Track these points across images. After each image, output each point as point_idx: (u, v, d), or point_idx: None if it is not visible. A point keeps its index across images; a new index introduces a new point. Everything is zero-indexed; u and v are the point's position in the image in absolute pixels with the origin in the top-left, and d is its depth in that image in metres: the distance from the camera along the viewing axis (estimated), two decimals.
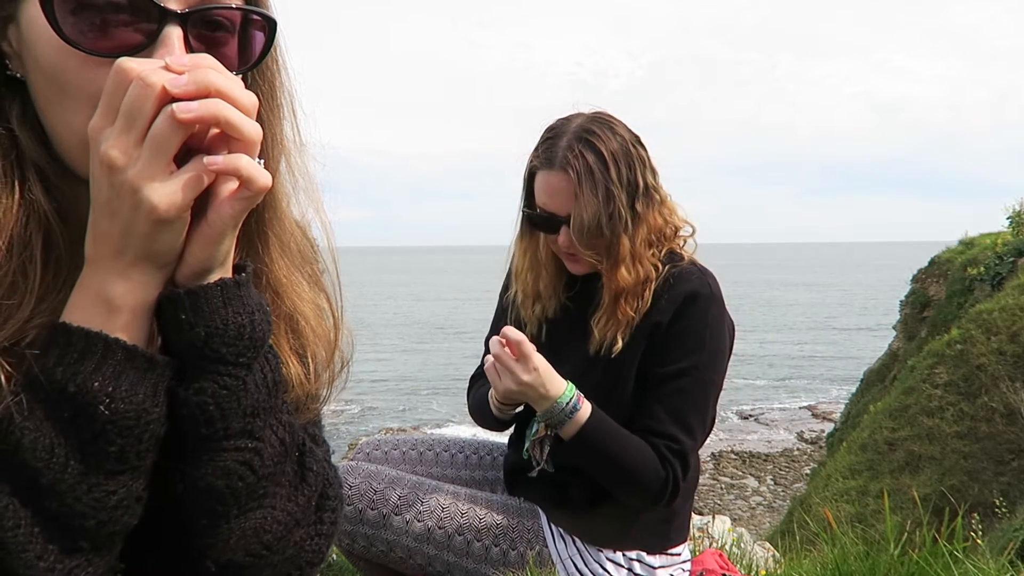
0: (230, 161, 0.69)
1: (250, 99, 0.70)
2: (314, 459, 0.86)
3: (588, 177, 1.83)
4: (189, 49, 0.73)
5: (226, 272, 0.75)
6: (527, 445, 1.95)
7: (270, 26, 0.80)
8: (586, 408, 1.83)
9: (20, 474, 0.68)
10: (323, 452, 0.92)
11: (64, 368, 0.68)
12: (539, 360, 1.79)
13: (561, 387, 1.82)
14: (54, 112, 0.75)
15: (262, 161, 0.72)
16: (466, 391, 2.28)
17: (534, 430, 1.92)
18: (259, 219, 0.86)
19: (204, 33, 0.76)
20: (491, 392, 1.99)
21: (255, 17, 0.79)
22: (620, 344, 1.87)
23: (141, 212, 0.66)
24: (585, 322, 1.95)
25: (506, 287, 2.21)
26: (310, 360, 0.91)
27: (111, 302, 0.70)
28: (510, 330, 1.80)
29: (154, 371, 0.71)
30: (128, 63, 0.66)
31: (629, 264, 1.87)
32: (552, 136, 1.91)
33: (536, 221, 1.97)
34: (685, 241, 2.02)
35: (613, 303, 1.89)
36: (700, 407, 1.87)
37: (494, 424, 2.09)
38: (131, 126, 0.65)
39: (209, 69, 0.67)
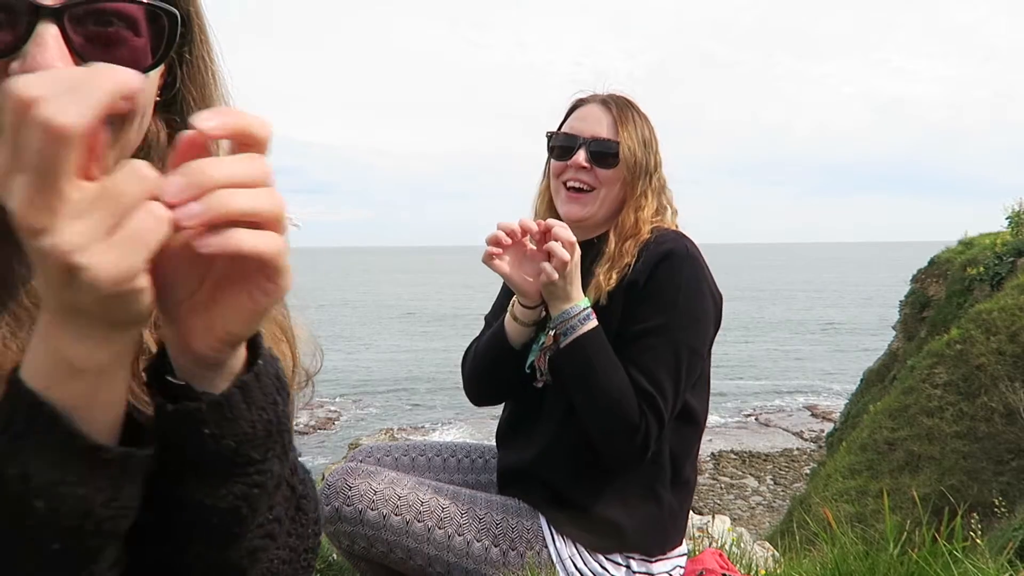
0: (231, 241, 0.55)
1: (262, 169, 0.57)
2: (303, 484, 0.83)
3: (630, 117, 2.01)
4: (72, 50, 0.64)
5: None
6: (533, 358, 1.99)
7: (170, 21, 0.71)
8: (594, 322, 1.89)
9: None
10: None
11: (8, 440, 0.56)
12: (578, 254, 1.86)
13: (581, 294, 1.89)
14: None
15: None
16: (461, 366, 2.25)
17: (541, 341, 1.97)
18: None
19: (92, 31, 0.66)
20: (512, 304, 2.00)
21: (157, 11, 0.70)
22: (613, 280, 1.93)
23: (80, 287, 0.51)
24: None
25: None
26: None
27: (71, 364, 0.56)
28: (553, 221, 1.86)
29: (108, 467, 0.58)
30: (30, 87, 0.49)
31: (643, 209, 2.00)
32: (600, 91, 2.10)
33: (556, 143, 2.05)
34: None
35: (619, 248, 1.97)
36: (670, 367, 1.88)
37: (503, 360, 2.04)
38: (47, 185, 0.49)
39: (207, 164, 0.55)
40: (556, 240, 1.81)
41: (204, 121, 0.55)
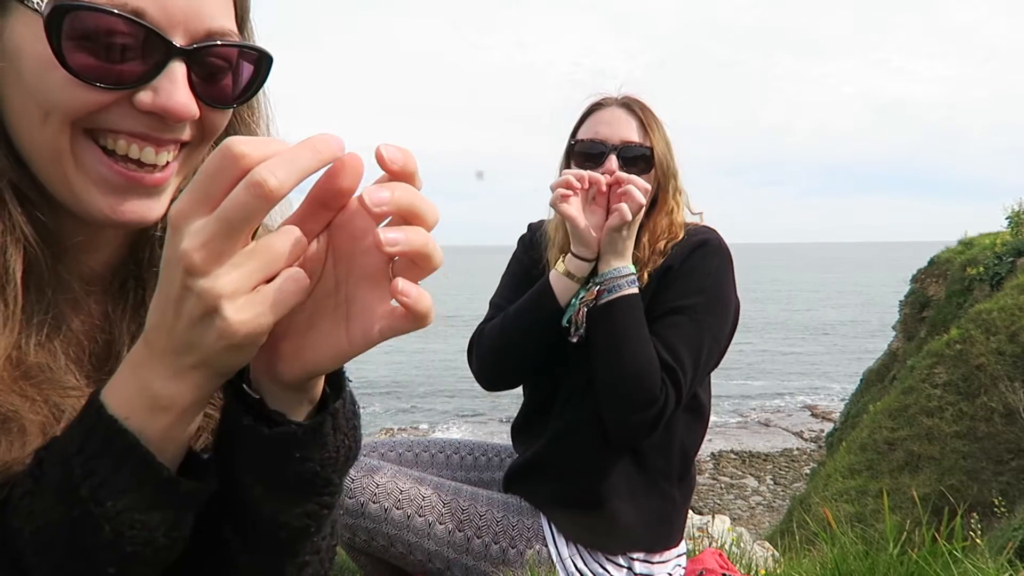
0: (416, 299, 0.60)
1: (436, 215, 0.60)
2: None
3: (653, 119, 2.00)
4: (191, 84, 0.71)
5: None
6: (571, 313, 1.97)
7: (265, 61, 0.77)
8: (636, 289, 1.91)
9: (15, 564, 0.60)
10: None
11: (84, 460, 0.58)
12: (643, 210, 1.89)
13: (631, 258, 1.92)
14: (31, 129, 0.70)
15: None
16: (468, 353, 2.20)
17: (581, 296, 1.96)
18: None
19: (206, 70, 0.73)
20: (564, 259, 1.96)
21: (250, 52, 0.77)
22: (645, 279, 1.95)
23: (213, 329, 0.55)
24: None
25: (530, 240, 2.24)
26: None
27: (157, 400, 0.59)
28: (623, 175, 1.87)
29: (179, 498, 0.61)
30: (242, 146, 0.53)
31: (675, 211, 2.01)
32: (612, 94, 2.07)
33: (582, 149, 2.02)
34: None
35: (651, 250, 1.98)
36: (692, 346, 1.89)
37: (543, 320, 1.98)
38: (233, 234, 0.53)
39: (411, 189, 0.58)
40: (632, 185, 1.84)
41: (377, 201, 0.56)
